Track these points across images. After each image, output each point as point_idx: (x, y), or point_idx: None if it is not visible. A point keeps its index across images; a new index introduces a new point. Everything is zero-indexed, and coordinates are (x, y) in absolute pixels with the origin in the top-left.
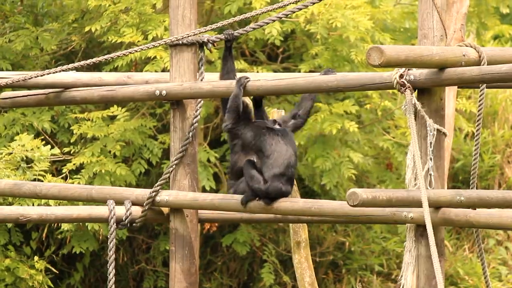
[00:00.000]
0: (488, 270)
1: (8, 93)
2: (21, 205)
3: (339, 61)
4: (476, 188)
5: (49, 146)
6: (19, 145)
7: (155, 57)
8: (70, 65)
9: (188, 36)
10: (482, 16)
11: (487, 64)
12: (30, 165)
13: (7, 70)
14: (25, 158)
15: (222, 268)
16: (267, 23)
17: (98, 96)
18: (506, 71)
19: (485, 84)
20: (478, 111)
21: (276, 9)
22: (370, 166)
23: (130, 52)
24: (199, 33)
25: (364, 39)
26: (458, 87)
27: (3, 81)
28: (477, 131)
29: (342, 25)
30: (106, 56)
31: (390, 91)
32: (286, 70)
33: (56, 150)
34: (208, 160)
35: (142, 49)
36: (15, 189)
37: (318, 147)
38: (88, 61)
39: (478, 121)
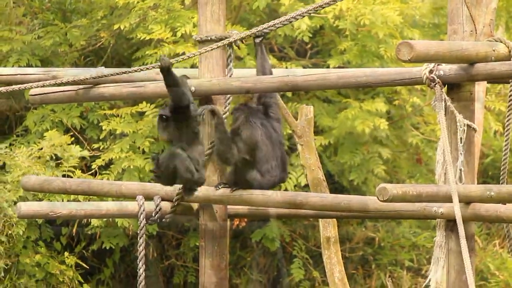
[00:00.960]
0: None
1: (37, 90)
2: (51, 201)
3: (368, 57)
4: (506, 184)
5: (78, 147)
6: (51, 144)
7: (183, 53)
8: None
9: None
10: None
11: None
12: (59, 161)
13: (36, 66)
14: (54, 157)
15: (252, 263)
16: (296, 19)
17: (126, 93)
18: None
19: None
20: (508, 106)
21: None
22: (399, 161)
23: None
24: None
25: (393, 35)
26: (487, 82)
27: (32, 78)
28: (507, 126)
29: (370, 21)
30: (137, 67)
31: (419, 87)
32: (315, 65)
33: (85, 153)
34: None
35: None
36: (45, 185)
37: (348, 144)
38: (119, 70)
39: (508, 115)
